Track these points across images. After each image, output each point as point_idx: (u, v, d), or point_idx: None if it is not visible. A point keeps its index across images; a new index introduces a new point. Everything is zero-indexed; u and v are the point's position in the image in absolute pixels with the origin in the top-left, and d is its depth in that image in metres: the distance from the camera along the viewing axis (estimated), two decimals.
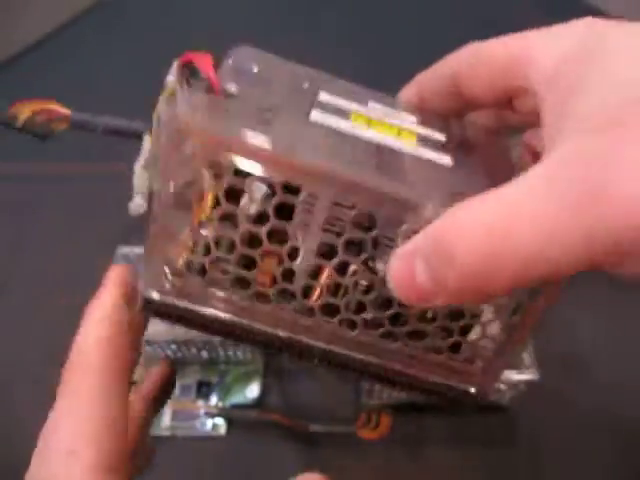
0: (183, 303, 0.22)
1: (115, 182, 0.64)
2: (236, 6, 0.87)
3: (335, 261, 0.20)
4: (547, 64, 0.18)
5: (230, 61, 0.24)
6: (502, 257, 0.15)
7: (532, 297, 0.22)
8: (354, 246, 0.19)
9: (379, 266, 0.20)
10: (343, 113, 0.22)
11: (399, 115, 0.23)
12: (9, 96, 0.79)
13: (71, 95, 0.79)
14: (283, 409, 0.46)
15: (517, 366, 0.43)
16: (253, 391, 0.48)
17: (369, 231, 0.19)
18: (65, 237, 0.59)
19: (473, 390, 0.23)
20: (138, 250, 0.49)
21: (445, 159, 0.21)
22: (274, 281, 0.20)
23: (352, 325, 0.21)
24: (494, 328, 0.22)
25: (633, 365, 0.50)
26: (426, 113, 0.24)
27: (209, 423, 0.46)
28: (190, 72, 0.23)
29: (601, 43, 0.17)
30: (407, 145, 0.21)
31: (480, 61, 0.21)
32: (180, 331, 0.44)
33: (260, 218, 0.19)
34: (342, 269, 0.20)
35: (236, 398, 0.48)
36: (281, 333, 0.21)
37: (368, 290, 0.20)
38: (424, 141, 0.22)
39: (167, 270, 0.22)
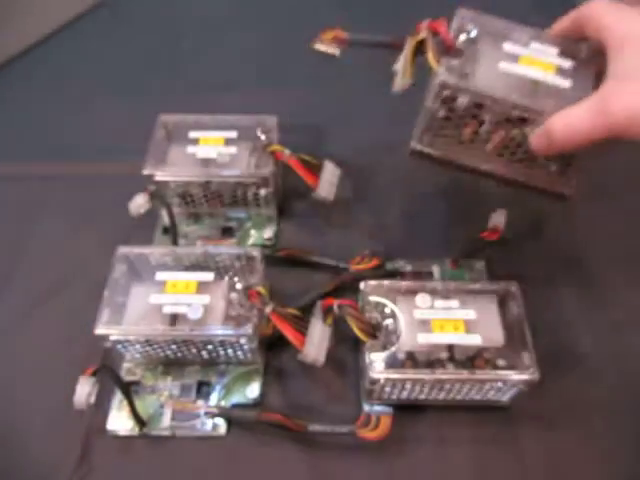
0: (428, 150, 0.44)
1: (115, 182, 0.64)
2: (236, 5, 0.87)
3: (502, 129, 0.41)
4: (616, 37, 0.37)
5: (456, 23, 0.42)
6: (572, 137, 0.36)
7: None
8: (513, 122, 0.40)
9: (527, 130, 0.40)
10: (516, 58, 0.41)
11: (547, 50, 0.42)
12: (9, 96, 0.80)
13: (72, 95, 0.80)
14: (283, 409, 0.46)
15: (517, 366, 0.43)
16: (253, 391, 0.48)
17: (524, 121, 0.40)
18: (65, 237, 0.59)
19: (566, 192, 0.44)
20: (138, 250, 0.49)
21: (567, 83, 0.40)
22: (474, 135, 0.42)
23: (510, 153, 0.43)
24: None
25: (633, 365, 0.50)
26: (565, 40, 0.42)
27: (209, 423, 0.46)
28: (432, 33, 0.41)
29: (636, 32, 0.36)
30: (550, 74, 0.40)
31: (590, 21, 0.39)
32: (180, 331, 0.45)
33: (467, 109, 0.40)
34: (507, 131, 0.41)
35: (236, 398, 0.48)
36: (475, 164, 0.44)
37: (518, 144, 0.42)
38: (559, 71, 0.41)
39: (424, 133, 0.44)
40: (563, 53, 0.41)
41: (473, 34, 0.41)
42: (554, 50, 0.41)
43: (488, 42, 0.41)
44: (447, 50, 0.40)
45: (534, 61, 0.40)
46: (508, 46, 0.41)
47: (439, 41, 0.40)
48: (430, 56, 0.40)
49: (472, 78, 0.39)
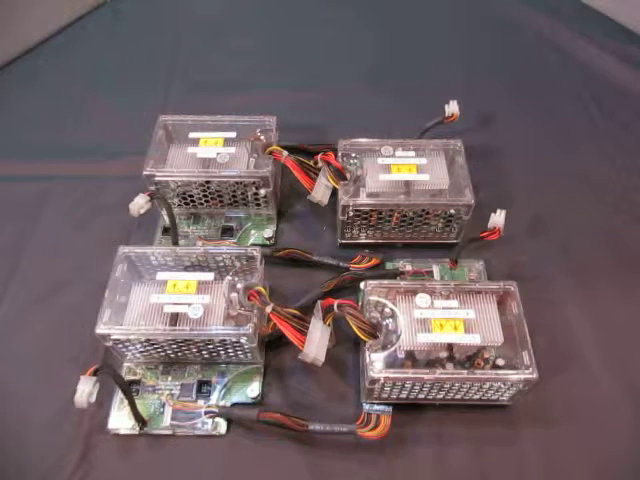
0: (350, 241, 0.58)
1: (115, 182, 0.64)
2: (236, 5, 0.87)
3: (397, 213, 0.55)
4: None
5: (340, 152, 0.56)
6: None
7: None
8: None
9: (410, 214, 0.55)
10: (389, 167, 0.56)
11: (408, 153, 0.57)
12: (10, 96, 0.80)
13: (72, 95, 0.80)
14: (283, 408, 0.46)
15: (516, 366, 0.43)
16: (253, 390, 0.48)
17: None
18: (65, 237, 0.59)
19: (449, 241, 0.58)
20: (138, 250, 0.49)
21: (425, 176, 0.55)
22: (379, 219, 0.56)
23: (406, 225, 0.56)
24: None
25: (632, 364, 0.50)
26: (420, 142, 0.58)
27: (209, 422, 0.47)
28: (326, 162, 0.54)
29: None
30: (413, 174, 0.55)
31: None
32: (181, 331, 0.45)
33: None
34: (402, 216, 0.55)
35: (236, 397, 0.48)
36: (386, 239, 0.58)
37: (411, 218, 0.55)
38: (418, 168, 0.55)
39: (344, 233, 0.58)
40: (418, 153, 0.56)
41: (356, 157, 0.56)
42: (412, 153, 0.56)
43: (369, 159, 0.56)
44: (340, 172, 0.53)
45: (401, 167, 0.55)
46: (381, 160, 0.56)
47: (334, 168, 0.53)
48: (329, 179, 0.54)
49: (364, 190, 0.54)
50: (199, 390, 0.48)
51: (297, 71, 0.77)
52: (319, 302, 0.45)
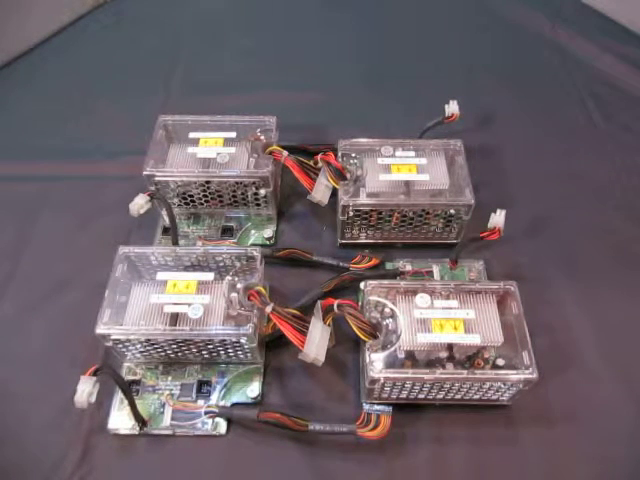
0: (350, 241, 0.58)
1: (115, 182, 0.64)
2: (236, 6, 0.87)
3: (397, 213, 0.54)
4: None
5: (340, 152, 0.56)
6: None
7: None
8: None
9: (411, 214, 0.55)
10: (389, 167, 0.55)
11: (408, 154, 0.56)
12: (10, 96, 0.79)
13: (72, 95, 0.79)
14: (283, 408, 0.46)
15: (516, 365, 0.43)
16: (253, 390, 0.48)
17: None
18: (65, 237, 0.59)
19: (450, 241, 0.58)
20: (138, 250, 0.49)
21: (427, 176, 0.55)
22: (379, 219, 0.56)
23: (406, 225, 0.56)
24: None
25: (632, 364, 0.50)
26: (420, 142, 0.58)
27: (209, 422, 0.47)
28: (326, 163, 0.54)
29: None
30: (413, 174, 0.55)
31: None
32: (181, 331, 0.45)
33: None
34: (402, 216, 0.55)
35: (236, 397, 0.48)
36: (387, 240, 0.58)
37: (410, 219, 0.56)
38: (418, 168, 0.55)
39: (344, 231, 0.58)
40: (418, 153, 0.56)
41: (356, 157, 0.56)
42: (412, 153, 0.56)
43: (369, 159, 0.56)
44: (340, 172, 0.53)
45: (401, 167, 0.55)
46: (381, 160, 0.56)
47: (334, 168, 0.53)
48: (329, 179, 0.54)
49: (364, 190, 0.54)
50: (199, 390, 0.48)
51: (297, 71, 0.77)
52: (319, 302, 0.45)
